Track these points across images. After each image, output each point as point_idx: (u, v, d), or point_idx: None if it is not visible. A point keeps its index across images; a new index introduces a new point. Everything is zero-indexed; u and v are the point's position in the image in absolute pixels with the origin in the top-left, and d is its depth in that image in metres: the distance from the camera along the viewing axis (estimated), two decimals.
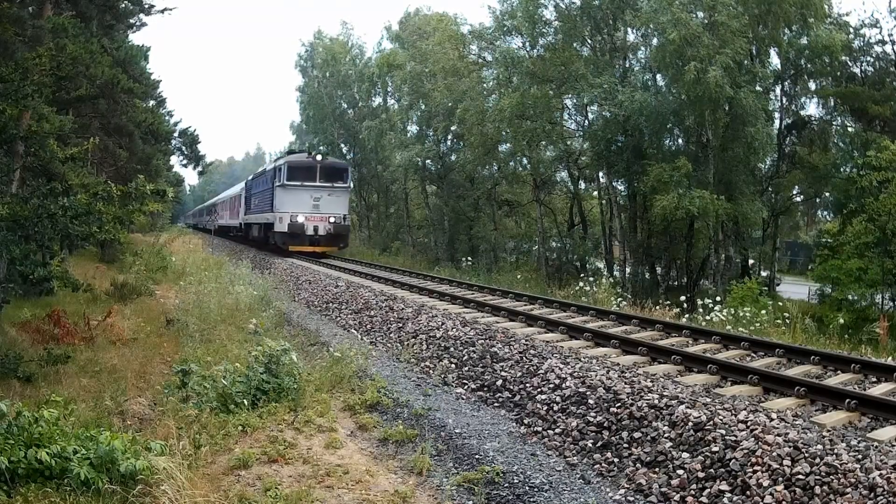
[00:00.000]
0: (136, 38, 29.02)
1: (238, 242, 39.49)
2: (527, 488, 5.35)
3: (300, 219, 25.24)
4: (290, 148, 31.65)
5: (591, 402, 6.72)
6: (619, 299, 15.67)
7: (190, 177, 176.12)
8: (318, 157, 26.64)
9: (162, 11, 15.06)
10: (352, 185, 29.04)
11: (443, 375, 8.68)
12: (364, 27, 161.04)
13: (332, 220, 25.72)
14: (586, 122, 24.55)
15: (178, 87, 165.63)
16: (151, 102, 22.00)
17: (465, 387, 8.24)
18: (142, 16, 16.13)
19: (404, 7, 76.54)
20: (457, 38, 28.62)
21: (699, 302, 14.44)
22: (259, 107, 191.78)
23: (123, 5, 14.92)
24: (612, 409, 6.43)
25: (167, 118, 23.88)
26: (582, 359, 8.14)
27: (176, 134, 18.61)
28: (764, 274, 23.07)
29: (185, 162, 19.82)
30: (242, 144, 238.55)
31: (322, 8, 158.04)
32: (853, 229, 17.67)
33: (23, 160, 10.10)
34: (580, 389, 6.99)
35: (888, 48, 22.01)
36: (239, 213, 38.91)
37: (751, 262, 23.26)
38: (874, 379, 7.56)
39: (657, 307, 14.29)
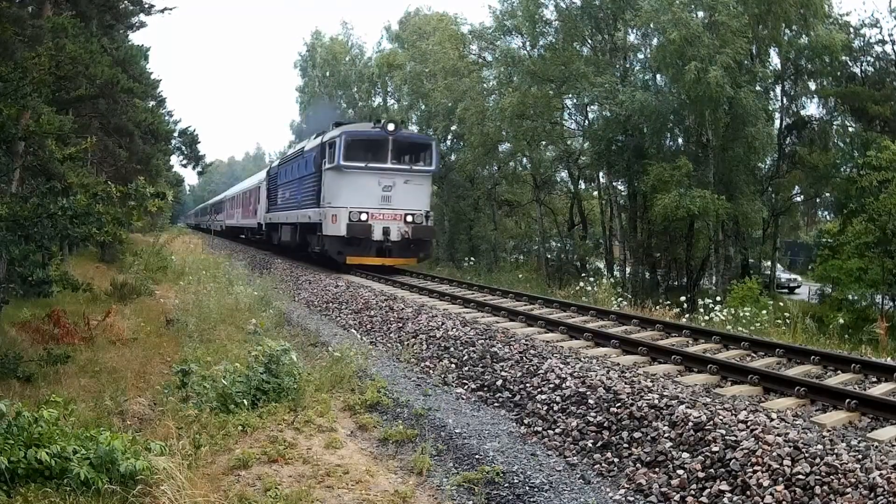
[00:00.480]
0: (136, 38, 29.11)
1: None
2: (527, 488, 5.35)
3: (364, 217, 17.56)
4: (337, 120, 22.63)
5: (591, 401, 6.72)
6: (620, 299, 15.68)
7: (190, 177, 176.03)
8: (391, 127, 18.27)
9: (162, 11, 15.02)
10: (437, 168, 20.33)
11: (443, 375, 8.67)
12: (364, 27, 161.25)
13: (409, 218, 17.92)
14: (586, 121, 24.59)
15: (178, 87, 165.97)
16: (151, 102, 21.97)
17: (465, 387, 8.24)
18: (142, 16, 16.11)
19: (404, 7, 76.51)
20: (457, 38, 28.67)
21: (699, 302, 14.45)
22: (259, 107, 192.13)
23: (123, 5, 14.89)
24: (612, 409, 6.42)
25: (167, 118, 23.88)
26: (582, 359, 8.14)
27: (176, 134, 18.60)
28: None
29: (184, 162, 19.77)
30: (242, 144, 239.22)
31: (322, 8, 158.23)
32: (853, 229, 17.71)
33: (22, 159, 10.09)
34: (580, 389, 6.99)
35: (888, 48, 22.05)
36: (257, 211, 30.87)
37: (751, 260, 23.32)
38: (874, 379, 7.56)
39: (657, 307, 14.29)
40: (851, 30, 21.95)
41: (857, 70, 22.73)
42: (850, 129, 22.61)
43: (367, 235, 17.58)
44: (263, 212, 29.25)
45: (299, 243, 22.06)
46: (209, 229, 53.32)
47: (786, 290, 28.10)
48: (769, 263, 24.18)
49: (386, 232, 17.68)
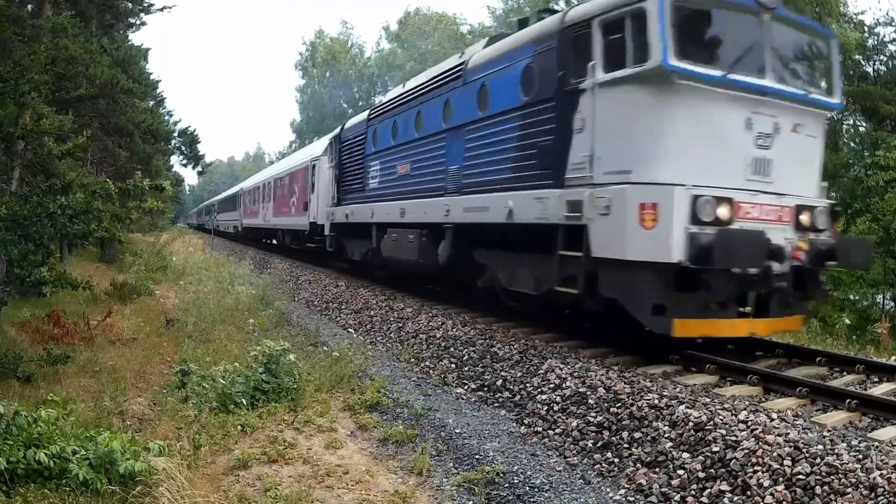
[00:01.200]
0: (135, 38, 29.07)
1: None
2: (527, 488, 5.34)
3: (724, 211, 6.52)
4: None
5: (591, 402, 6.70)
6: None
7: (190, 177, 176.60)
8: None
9: (161, 10, 15.08)
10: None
11: (443, 375, 8.66)
12: (363, 27, 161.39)
13: (803, 216, 7.29)
14: None
15: (178, 87, 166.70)
16: (151, 102, 22.01)
17: (465, 387, 8.22)
18: (142, 15, 16.14)
19: (404, 7, 76.51)
20: (457, 38, 28.68)
21: None
22: (259, 107, 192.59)
23: (123, 4, 14.92)
24: (612, 409, 6.41)
25: (167, 118, 23.91)
26: (582, 359, 8.12)
27: (175, 134, 18.64)
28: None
29: (184, 162, 19.83)
30: (242, 144, 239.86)
31: (322, 8, 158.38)
32: (857, 229, 17.67)
33: (21, 158, 10.11)
34: (580, 389, 6.98)
35: None
36: (308, 205, 20.19)
37: None
38: (876, 379, 7.54)
39: None
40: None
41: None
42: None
43: (761, 264, 6.83)
44: (325, 204, 17.99)
45: (449, 264, 10.91)
46: (220, 231, 47.04)
47: None
48: None
49: (772, 252, 6.91)
